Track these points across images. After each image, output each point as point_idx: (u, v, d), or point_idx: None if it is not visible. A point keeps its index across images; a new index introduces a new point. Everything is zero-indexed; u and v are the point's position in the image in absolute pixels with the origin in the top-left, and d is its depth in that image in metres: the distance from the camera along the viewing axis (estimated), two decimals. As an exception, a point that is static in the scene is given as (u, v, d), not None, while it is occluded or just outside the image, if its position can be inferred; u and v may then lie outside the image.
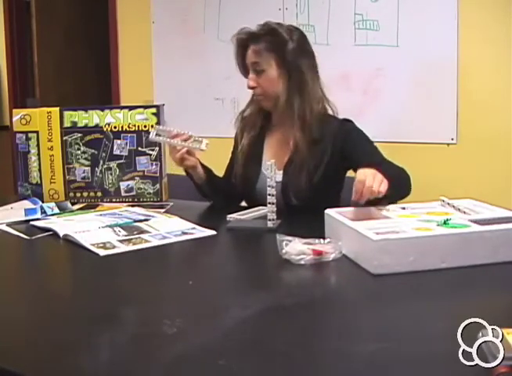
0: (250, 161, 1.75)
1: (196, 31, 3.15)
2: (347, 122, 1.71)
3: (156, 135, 1.68)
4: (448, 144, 2.58)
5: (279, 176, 1.67)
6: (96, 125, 1.83)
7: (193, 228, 1.44)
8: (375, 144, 1.70)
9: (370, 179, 1.31)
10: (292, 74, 1.66)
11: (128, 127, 1.82)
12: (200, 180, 1.75)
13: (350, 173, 1.81)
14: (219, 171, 1.85)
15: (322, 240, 1.18)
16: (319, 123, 1.66)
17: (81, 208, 1.75)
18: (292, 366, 0.74)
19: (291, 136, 1.68)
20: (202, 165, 1.75)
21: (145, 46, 3.31)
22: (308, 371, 0.72)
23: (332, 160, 1.65)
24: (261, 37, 1.67)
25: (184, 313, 0.93)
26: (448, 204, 1.35)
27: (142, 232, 1.41)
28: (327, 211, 1.31)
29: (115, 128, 1.82)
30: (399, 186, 1.46)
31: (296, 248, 1.14)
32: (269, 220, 1.44)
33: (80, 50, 4.32)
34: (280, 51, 1.65)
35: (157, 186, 1.83)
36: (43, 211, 1.62)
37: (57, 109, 1.85)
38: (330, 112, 1.72)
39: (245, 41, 1.69)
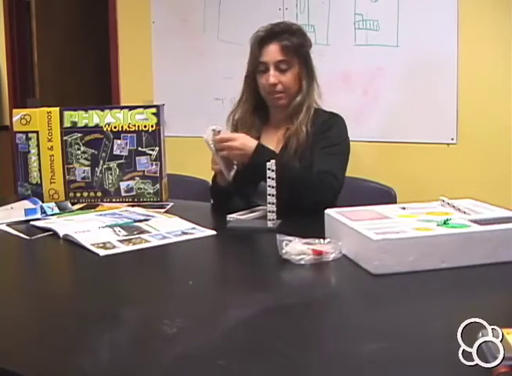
0: None
1: (196, 31, 3.15)
2: (335, 115, 1.77)
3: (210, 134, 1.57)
4: (448, 144, 2.58)
5: None
6: (96, 125, 1.83)
7: (193, 228, 1.44)
8: (341, 149, 1.72)
9: (234, 142, 1.51)
10: (309, 73, 1.73)
11: (128, 127, 1.82)
12: (223, 183, 1.72)
13: (350, 173, 1.81)
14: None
15: (322, 240, 1.18)
16: (316, 115, 1.73)
17: (81, 208, 1.75)
18: (292, 366, 0.74)
19: (287, 129, 1.73)
20: None
21: (145, 46, 3.31)
22: (308, 371, 0.72)
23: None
24: (286, 34, 1.69)
25: (184, 313, 0.93)
26: (448, 204, 1.35)
27: (142, 232, 1.41)
28: (327, 211, 1.31)
29: (115, 128, 1.82)
30: (283, 184, 1.44)
31: (296, 248, 1.14)
32: (269, 220, 1.44)
33: (80, 50, 4.32)
34: (304, 52, 1.72)
35: (157, 186, 1.83)
36: (43, 211, 1.62)
37: (57, 109, 1.85)
38: (322, 106, 1.79)
39: (266, 38, 1.69)
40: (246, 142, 1.56)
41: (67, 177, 1.85)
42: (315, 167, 1.65)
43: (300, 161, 1.68)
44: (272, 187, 1.43)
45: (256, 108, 1.79)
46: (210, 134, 1.56)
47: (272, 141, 1.78)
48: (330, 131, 1.71)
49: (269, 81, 1.69)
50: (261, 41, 1.70)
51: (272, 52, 1.69)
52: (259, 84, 1.75)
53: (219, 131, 1.57)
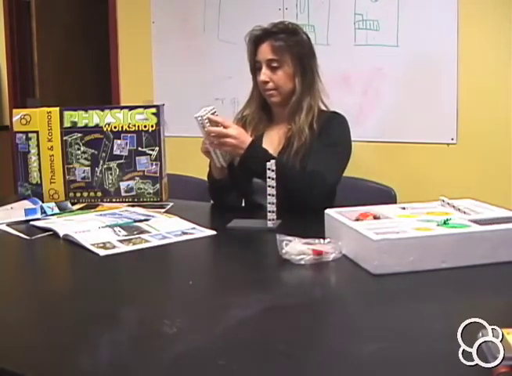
0: None
1: (196, 31, 3.15)
2: (337, 114, 1.78)
3: (201, 117, 1.58)
4: (448, 144, 2.58)
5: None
6: (96, 125, 1.83)
7: (193, 228, 1.44)
8: (340, 150, 1.73)
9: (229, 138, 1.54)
10: (306, 73, 1.74)
11: (128, 127, 1.82)
12: (218, 175, 1.73)
13: (349, 173, 1.81)
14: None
15: (322, 240, 1.18)
16: (318, 117, 1.73)
17: (81, 208, 1.75)
18: (292, 366, 0.74)
19: (289, 128, 1.75)
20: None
21: (145, 46, 3.31)
22: (308, 371, 0.72)
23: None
24: (280, 34, 1.72)
25: (184, 313, 0.93)
26: (448, 204, 1.35)
27: (142, 232, 1.41)
28: (327, 211, 1.31)
29: (115, 128, 1.82)
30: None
31: (296, 248, 1.14)
32: (269, 220, 1.44)
33: (80, 50, 4.32)
34: (298, 50, 1.73)
35: (157, 186, 1.83)
36: (43, 211, 1.62)
37: (57, 109, 1.85)
38: (324, 108, 1.80)
39: (260, 37, 1.74)
40: (241, 137, 1.59)
41: (67, 177, 1.85)
42: (309, 165, 1.66)
43: (301, 162, 1.68)
44: (272, 187, 1.43)
45: (263, 106, 1.82)
46: (204, 114, 1.58)
47: (274, 139, 1.79)
48: (331, 130, 1.72)
49: (261, 79, 1.73)
50: (255, 41, 1.75)
51: (264, 52, 1.73)
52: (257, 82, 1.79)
53: (214, 113, 1.60)
